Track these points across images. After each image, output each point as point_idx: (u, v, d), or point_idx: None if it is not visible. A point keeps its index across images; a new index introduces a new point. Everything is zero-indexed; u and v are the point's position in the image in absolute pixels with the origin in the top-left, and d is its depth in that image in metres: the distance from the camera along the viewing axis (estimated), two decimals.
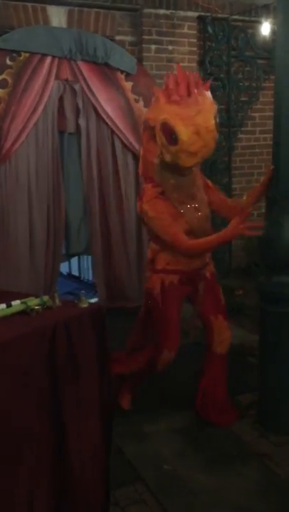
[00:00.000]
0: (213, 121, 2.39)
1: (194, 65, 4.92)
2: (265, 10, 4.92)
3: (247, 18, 5.08)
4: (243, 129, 5.35)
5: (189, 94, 2.37)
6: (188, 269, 2.70)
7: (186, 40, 4.81)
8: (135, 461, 2.53)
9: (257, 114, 5.36)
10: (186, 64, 4.83)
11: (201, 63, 5.02)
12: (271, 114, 2.89)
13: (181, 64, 4.75)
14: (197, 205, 2.66)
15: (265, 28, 4.72)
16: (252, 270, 5.00)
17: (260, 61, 5.18)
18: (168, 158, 2.47)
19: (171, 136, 2.39)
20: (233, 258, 5.33)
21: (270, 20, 4.73)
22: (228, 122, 5.13)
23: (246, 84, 5.27)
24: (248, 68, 5.24)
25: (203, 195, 2.72)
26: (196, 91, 2.38)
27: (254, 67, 5.23)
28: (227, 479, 2.39)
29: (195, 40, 4.90)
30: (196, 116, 2.34)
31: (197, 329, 2.95)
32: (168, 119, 2.38)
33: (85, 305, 1.96)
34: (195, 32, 4.88)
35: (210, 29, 4.94)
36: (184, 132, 2.34)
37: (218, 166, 5.17)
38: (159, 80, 4.71)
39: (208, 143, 2.42)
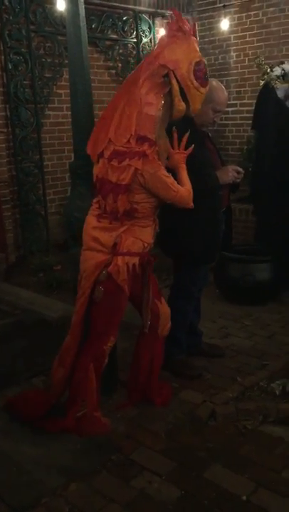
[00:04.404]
0: None
1: None
2: None
3: None
4: (49, 105, 5.31)
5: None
6: (146, 250, 2.56)
7: None
8: None
9: (62, 91, 5.30)
10: None
11: None
12: None
13: None
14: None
15: (61, 4, 4.71)
16: (68, 245, 5.07)
17: (60, 37, 5.16)
18: (182, 106, 2.35)
19: (204, 75, 2.35)
20: (51, 235, 5.36)
21: None
22: (34, 99, 5.08)
23: (49, 60, 5.23)
24: (49, 44, 5.20)
25: None
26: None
27: (55, 43, 5.22)
28: (53, 446, 2.46)
29: None
30: None
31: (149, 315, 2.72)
32: (202, 58, 2.34)
33: None
34: None
35: (6, 1, 4.76)
36: None
37: (27, 142, 5.09)
38: None
39: None
